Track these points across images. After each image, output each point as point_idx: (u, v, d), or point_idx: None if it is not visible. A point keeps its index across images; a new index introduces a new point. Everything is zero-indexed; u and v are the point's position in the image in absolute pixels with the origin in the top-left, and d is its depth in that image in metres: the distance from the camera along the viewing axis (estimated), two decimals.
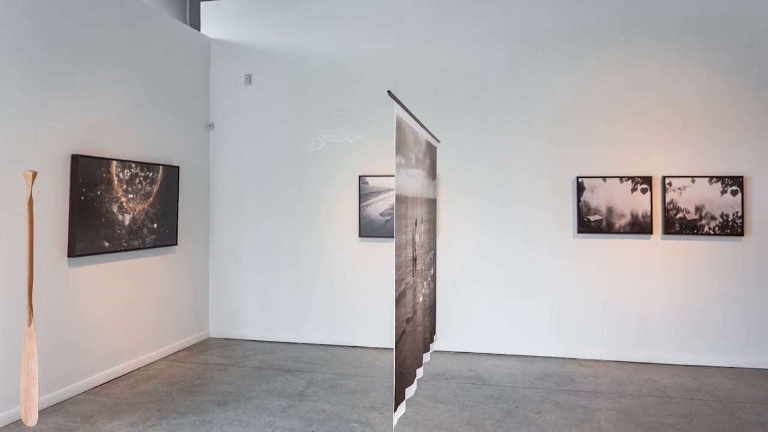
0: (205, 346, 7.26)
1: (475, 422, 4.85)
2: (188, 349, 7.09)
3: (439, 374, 6.17)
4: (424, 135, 4.17)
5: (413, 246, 3.46)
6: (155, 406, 5.15)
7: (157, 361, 6.53)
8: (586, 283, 6.80)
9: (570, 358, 6.75)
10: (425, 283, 4.16)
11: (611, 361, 6.64)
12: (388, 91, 3.00)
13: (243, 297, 7.64)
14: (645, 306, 6.64)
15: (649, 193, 6.67)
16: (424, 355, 4.40)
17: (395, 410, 3.00)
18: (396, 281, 2.93)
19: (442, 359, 6.71)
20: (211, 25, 7.90)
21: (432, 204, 4.66)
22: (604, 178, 6.76)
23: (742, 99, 6.53)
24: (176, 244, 6.89)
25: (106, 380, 5.78)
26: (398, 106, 3.16)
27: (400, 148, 3.17)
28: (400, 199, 3.14)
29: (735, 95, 6.55)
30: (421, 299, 3.88)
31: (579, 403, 5.30)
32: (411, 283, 3.37)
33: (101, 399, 5.30)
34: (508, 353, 6.92)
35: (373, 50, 7.38)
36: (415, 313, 3.57)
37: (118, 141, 6.03)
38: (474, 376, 6.12)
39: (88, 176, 5.51)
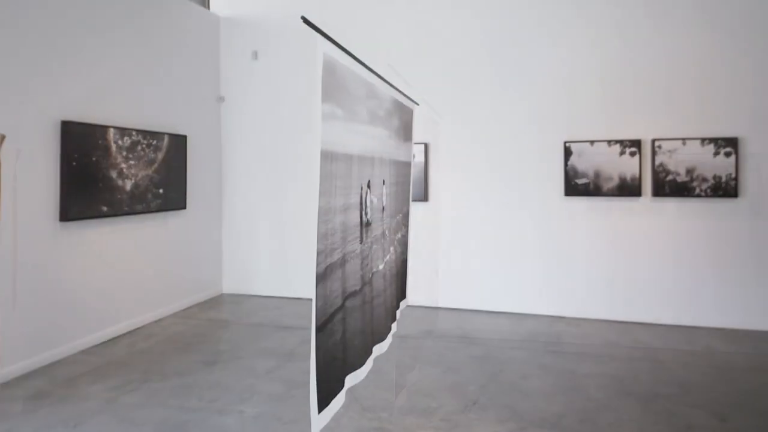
0: (216, 302, 6.22)
1: (458, 388, 3.70)
2: (200, 305, 6.04)
3: (428, 331, 5.02)
4: (388, 91, 2.89)
5: (363, 210, 2.26)
6: (144, 368, 4.11)
7: (166, 317, 5.50)
8: (575, 242, 5.50)
9: (559, 317, 5.51)
10: (392, 248, 2.97)
11: (600, 320, 5.38)
12: (302, 17, 1.72)
13: (256, 254, 6.51)
14: (634, 265, 5.32)
15: (637, 156, 5.29)
16: (392, 324, 3.20)
17: (318, 411, 1.80)
18: (319, 252, 1.74)
19: (432, 315, 5.55)
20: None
21: (403, 166, 3.38)
22: (592, 142, 5.40)
23: (735, 59, 5.05)
24: (185, 208, 5.77)
25: (108, 338, 4.75)
26: (330, 45, 1.90)
27: (333, 95, 1.94)
28: (334, 157, 1.92)
29: (727, 55, 5.07)
30: (381, 266, 2.69)
31: (567, 367, 4.10)
32: (358, 251, 2.18)
33: (93, 359, 4.28)
34: (497, 310, 5.71)
35: (378, 18, 6.04)
36: (367, 284, 2.37)
37: (117, 109, 4.88)
38: (462, 334, 4.95)
39: (80, 143, 4.40)
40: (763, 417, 3.24)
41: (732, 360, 4.23)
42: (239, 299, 6.33)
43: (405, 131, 3.39)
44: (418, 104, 3.86)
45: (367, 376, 3.84)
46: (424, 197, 5.89)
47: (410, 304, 5.84)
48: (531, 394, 3.61)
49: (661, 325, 5.18)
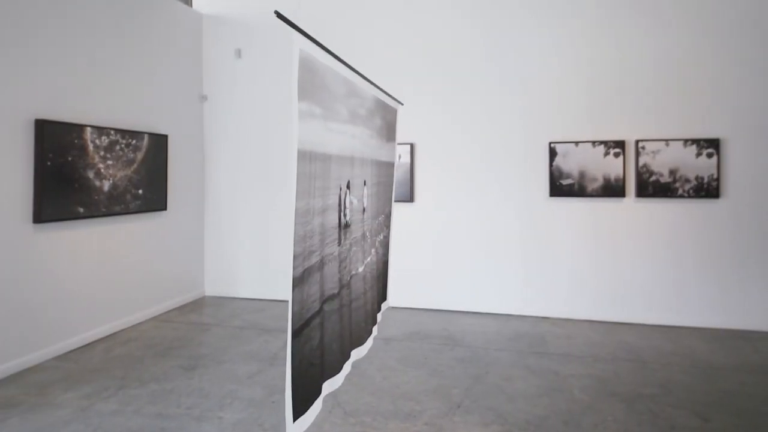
0: (198, 305, 6.10)
1: (442, 390, 3.66)
2: (180, 308, 5.92)
3: (414, 333, 4.97)
4: (370, 90, 2.83)
5: (342, 211, 2.20)
6: (120, 373, 4.00)
7: (145, 321, 5.38)
8: (559, 243, 5.50)
9: (543, 317, 5.51)
10: (373, 250, 2.91)
11: (584, 321, 5.38)
12: (276, 12, 1.65)
13: (239, 256, 6.42)
14: (618, 266, 5.35)
15: (621, 157, 5.31)
16: (373, 328, 3.15)
17: (293, 420, 1.73)
18: (297, 255, 1.68)
19: (418, 317, 5.50)
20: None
21: (386, 167, 3.32)
22: (576, 143, 5.41)
23: (718, 61, 5.09)
24: (165, 209, 5.66)
25: (84, 343, 4.62)
26: (308, 42, 1.84)
27: (311, 93, 1.87)
28: (313, 157, 1.86)
29: (710, 57, 5.11)
30: (361, 269, 2.63)
31: (551, 368, 4.08)
32: (336, 253, 2.12)
33: (69, 366, 4.15)
34: (482, 311, 5.69)
35: (368, 19, 5.98)
36: (345, 287, 2.31)
37: (94, 108, 4.76)
38: (447, 336, 4.92)
39: (55, 142, 4.27)
40: (745, 417, 3.26)
41: (714, 360, 4.25)
42: (221, 302, 6.23)
43: (388, 131, 3.35)
44: (402, 104, 3.82)
45: (350, 379, 3.79)
46: (410, 198, 5.85)
47: (394, 305, 5.79)
48: (515, 396, 3.58)
49: (644, 325, 5.20)
